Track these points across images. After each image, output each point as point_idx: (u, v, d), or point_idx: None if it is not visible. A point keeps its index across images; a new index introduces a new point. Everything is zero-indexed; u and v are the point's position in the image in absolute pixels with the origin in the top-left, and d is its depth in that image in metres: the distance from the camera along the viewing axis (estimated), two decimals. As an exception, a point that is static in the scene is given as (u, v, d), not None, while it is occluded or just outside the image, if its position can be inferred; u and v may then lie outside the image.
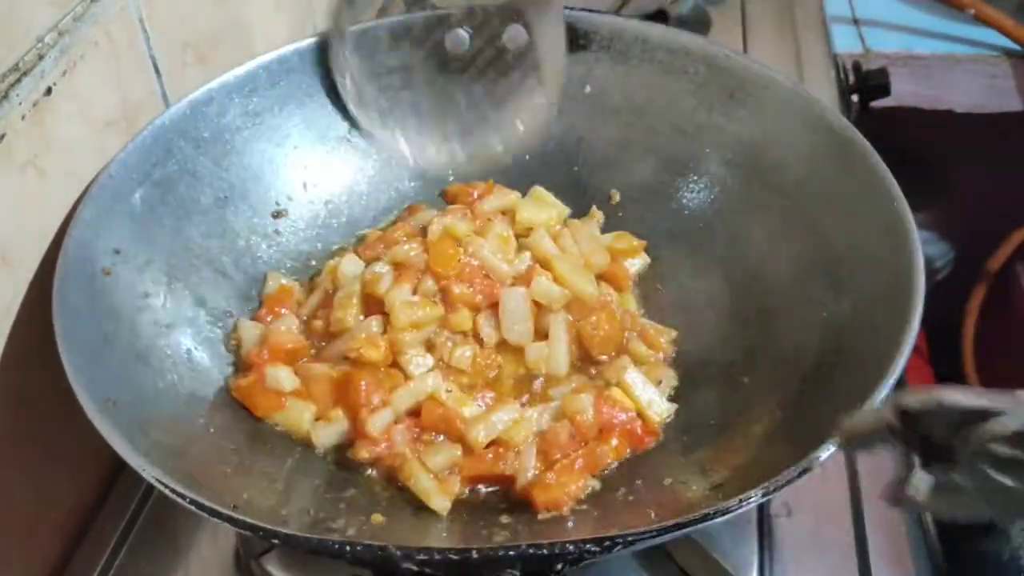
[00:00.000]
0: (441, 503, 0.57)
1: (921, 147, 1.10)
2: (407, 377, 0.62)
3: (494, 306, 0.65)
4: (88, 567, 0.62)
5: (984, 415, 0.39)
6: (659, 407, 0.63)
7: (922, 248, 0.58)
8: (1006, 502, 0.40)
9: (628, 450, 0.61)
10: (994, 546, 0.71)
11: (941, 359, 1.04)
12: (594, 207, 0.77)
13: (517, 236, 0.70)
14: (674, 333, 0.68)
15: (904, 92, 1.11)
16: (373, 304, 0.65)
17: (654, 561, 0.59)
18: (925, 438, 0.42)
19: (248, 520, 0.45)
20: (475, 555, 0.43)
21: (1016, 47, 1.14)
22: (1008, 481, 0.39)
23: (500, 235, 0.69)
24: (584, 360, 0.66)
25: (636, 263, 0.74)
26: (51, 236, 0.60)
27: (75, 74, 0.60)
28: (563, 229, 0.73)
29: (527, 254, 0.69)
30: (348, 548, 0.43)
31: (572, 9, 0.77)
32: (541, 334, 0.65)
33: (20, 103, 0.55)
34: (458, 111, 0.77)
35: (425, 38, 0.77)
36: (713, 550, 0.58)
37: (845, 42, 1.18)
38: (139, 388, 0.56)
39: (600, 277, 0.70)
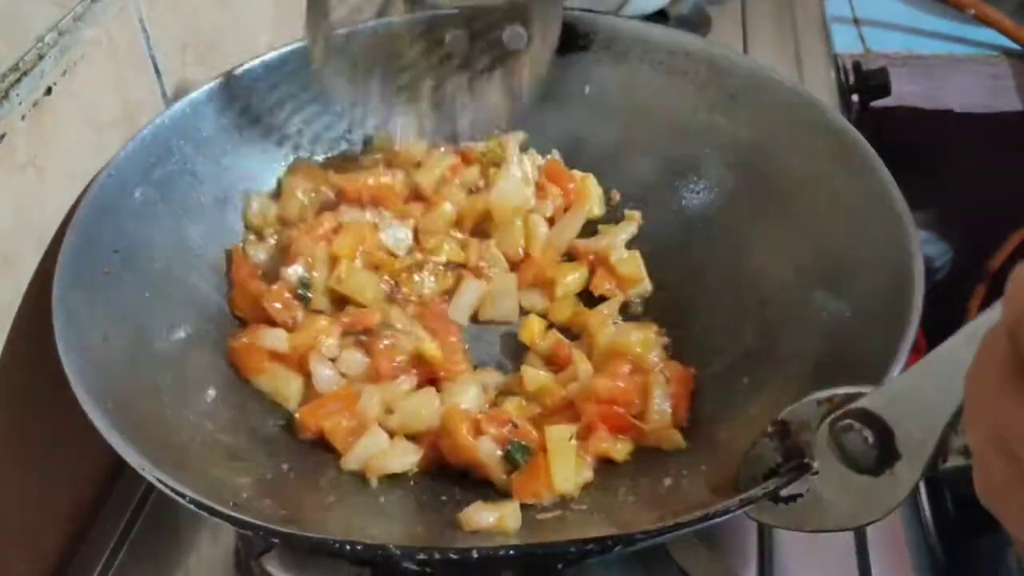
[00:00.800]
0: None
1: (921, 147, 1.09)
2: None
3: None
4: (88, 567, 0.62)
5: (847, 399, 0.42)
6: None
7: (922, 248, 0.58)
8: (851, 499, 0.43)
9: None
10: (994, 545, 0.70)
11: (940, 360, 1.03)
12: (637, 214, 0.75)
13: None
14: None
15: (904, 92, 1.10)
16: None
17: (653, 560, 0.59)
18: (796, 446, 0.45)
19: (247, 519, 0.46)
20: (475, 555, 0.43)
21: (1016, 47, 1.14)
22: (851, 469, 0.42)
23: None
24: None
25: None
26: (51, 236, 0.60)
27: (75, 74, 0.60)
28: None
29: None
30: (348, 547, 0.43)
31: (572, 9, 0.77)
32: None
33: (20, 103, 0.55)
34: (458, 111, 0.76)
35: (425, 38, 0.77)
36: (713, 549, 0.58)
37: (845, 42, 1.17)
38: (139, 388, 0.56)
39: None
